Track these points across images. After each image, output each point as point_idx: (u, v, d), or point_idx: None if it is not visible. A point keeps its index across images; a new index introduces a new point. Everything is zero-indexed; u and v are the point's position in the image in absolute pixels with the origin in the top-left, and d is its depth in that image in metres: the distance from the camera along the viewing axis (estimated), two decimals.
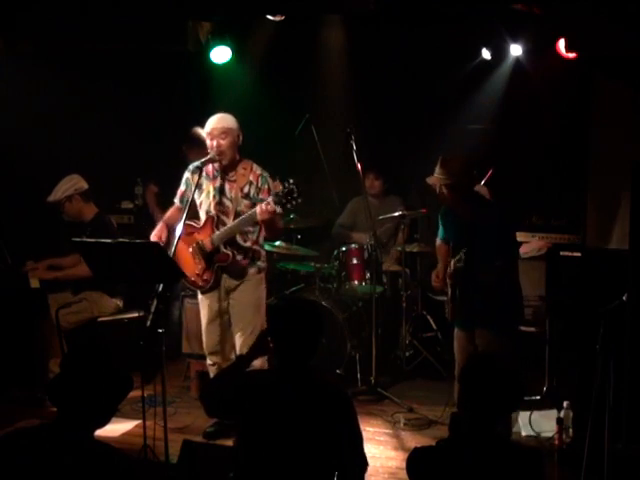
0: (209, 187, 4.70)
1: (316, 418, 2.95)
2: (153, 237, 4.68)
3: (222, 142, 4.58)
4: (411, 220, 6.36)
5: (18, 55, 5.78)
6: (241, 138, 4.66)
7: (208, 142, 4.63)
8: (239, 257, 4.65)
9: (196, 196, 4.69)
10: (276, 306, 3.20)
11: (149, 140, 6.64)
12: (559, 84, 6.17)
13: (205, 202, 4.71)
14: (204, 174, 4.67)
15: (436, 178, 4.31)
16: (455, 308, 4.40)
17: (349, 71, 6.86)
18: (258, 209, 4.39)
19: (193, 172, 4.67)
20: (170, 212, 4.90)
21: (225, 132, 4.59)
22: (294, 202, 4.36)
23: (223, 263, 4.61)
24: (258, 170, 4.67)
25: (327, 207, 6.65)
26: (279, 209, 4.43)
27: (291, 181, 4.36)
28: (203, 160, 4.62)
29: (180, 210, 4.74)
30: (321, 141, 6.04)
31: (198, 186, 4.63)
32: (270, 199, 4.40)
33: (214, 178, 4.70)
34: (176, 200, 4.83)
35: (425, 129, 6.69)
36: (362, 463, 3.05)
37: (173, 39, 5.61)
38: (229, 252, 4.59)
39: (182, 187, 4.79)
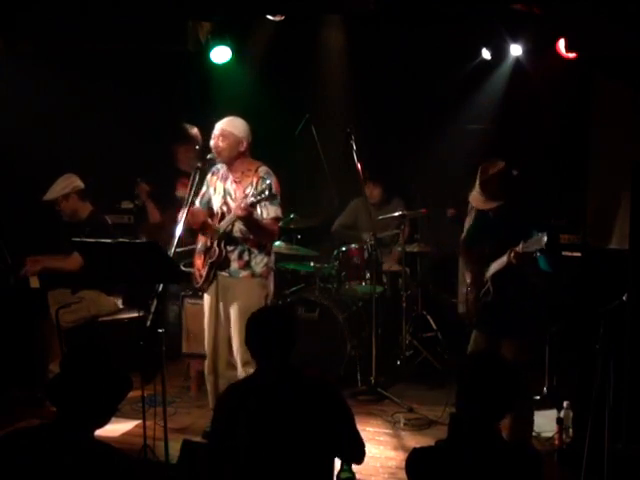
0: (220, 187, 4.76)
1: (310, 411, 3.04)
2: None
3: (220, 144, 4.65)
4: (411, 220, 6.36)
5: (18, 55, 5.78)
6: (245, 144, 4.66)
7: (212, 142, 4.70)
8: (232, 256, 4.67)
9: (212, 196, 4.79)
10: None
11: (149, 140, 6.64)
12: (559, 84, 6.17)
13: (215, 201, 4.78)
14: (220, 174, 4.76)
15: (483, 204, 4.12)
16: (478, 310, 4.28)
17: (349, 71, 6.86)
18: (235, 206, 4.46)
19: (212, 173, 4.78)
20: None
21: (224, 135, 4.64)
22: (263, 195, 4.43)
23: (211, 258, 4.66)
24: (262, 173, 4.67)
25: (327, 207, 6.65)
26: (250, 201, 4.45)
27: (267, 182, 4.52)
28: (203, 160, 4.68)
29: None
30: (321, 141, 6.05)
31: (214, 187, 4.75)
32: (251, 198, 4.45)
33: (225, 179, 4.76)
34: (197, 201, 4.84)
35: (425, 129, 6.70)
36: (361, 443, 3.22)
37: (173, 39, 5.62)
38: (217, 248, 4.63)
39: (203, 188, 4.85)
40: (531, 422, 4.42)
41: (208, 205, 4.80)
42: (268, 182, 4.63)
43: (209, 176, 4.84)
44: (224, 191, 4.72)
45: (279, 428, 3.01)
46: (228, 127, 4.66)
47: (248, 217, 4.48)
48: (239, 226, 4.63)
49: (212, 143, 4.68)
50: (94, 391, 2.55)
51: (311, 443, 3.03)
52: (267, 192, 4.41)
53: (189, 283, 5.08)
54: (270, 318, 3.21)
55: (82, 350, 2.70)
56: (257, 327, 3.17)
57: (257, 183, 4.64)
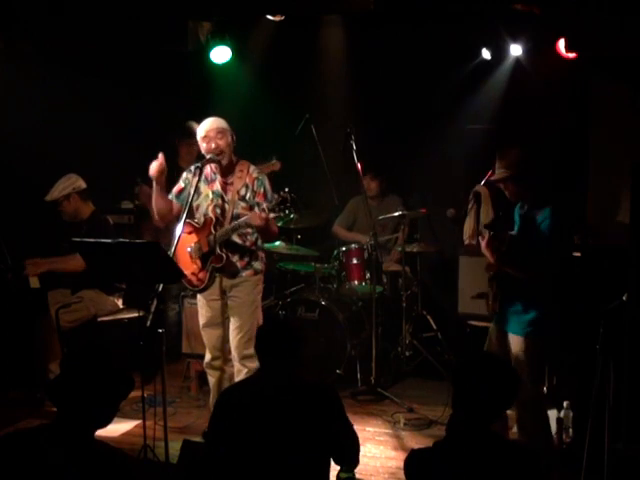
0: (207, 191, 4.69)
1: (308, 413, 3.10)
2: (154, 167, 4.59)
3: (220, 142, 4.57)
4: (411, 220, 6.36)
5: (18, 55, 5.78)
6: (235, 139, 4.66)
7: (204, 146, 4.59)
8: (235, 258, 4.65)
9: (195, 197, 4.64)
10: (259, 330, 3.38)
11: (149, 140, 6.64)
12: (559, 84, 6.17)
13: (203, 205, 4.69)
14: (204, 177, 4.67)
15: (499, 173, 4.10)
16: (496, 302, 4.15)
17: (349, 71, 6.86)
18: (252, 215, 4.43)
19: (194, 173, 4.63)
20: None
21: (221, 132, 4.58)
22: (286, 211, 4.45)
23: (217, 264, 4.62)
24: (254, 173, 4.66)
25: (327, 207, 6.65)
26: (272, 215, 4.48)
27: (286, 190, 4.45)
28: (203, 160, 4.61)
29: (172, 204, 4.74)
30: (321, 141, 6.04)
31: (196, 189, 4.59)
32: (264, 205, 4.44)
33: (212, 181, 4.69)
34: (171, 196, 4.74)
35: (425, 129, 6.69)
36: (358, 447, 3.33)
37: (173, 39, 5.62)
38: (223, 254, 4.59)
39: (181, 184, 4.75)
40: (538, 419, 4.23)
41: (188, 204, 4.54)
42: (264, 183, 4.64)
43: (188, 175, 4.71)
44: (213, 194, 4.66)
45: (277, 428, 3.04)
46: (219, 125, 4.60)
47: (266, 226, 4.48)
48: (240, 230, 4.62)
49: (211, 146, 4.56)
50: (94, 391, 2.55)
51: (308, 443, 3.06)
52: (275, 196, 4.42)
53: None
54: (282, 331, 3.27)
55: (82, 350, 2.70)
56: (269, 336, 3.24)
57: (253, 184, 4.63)
